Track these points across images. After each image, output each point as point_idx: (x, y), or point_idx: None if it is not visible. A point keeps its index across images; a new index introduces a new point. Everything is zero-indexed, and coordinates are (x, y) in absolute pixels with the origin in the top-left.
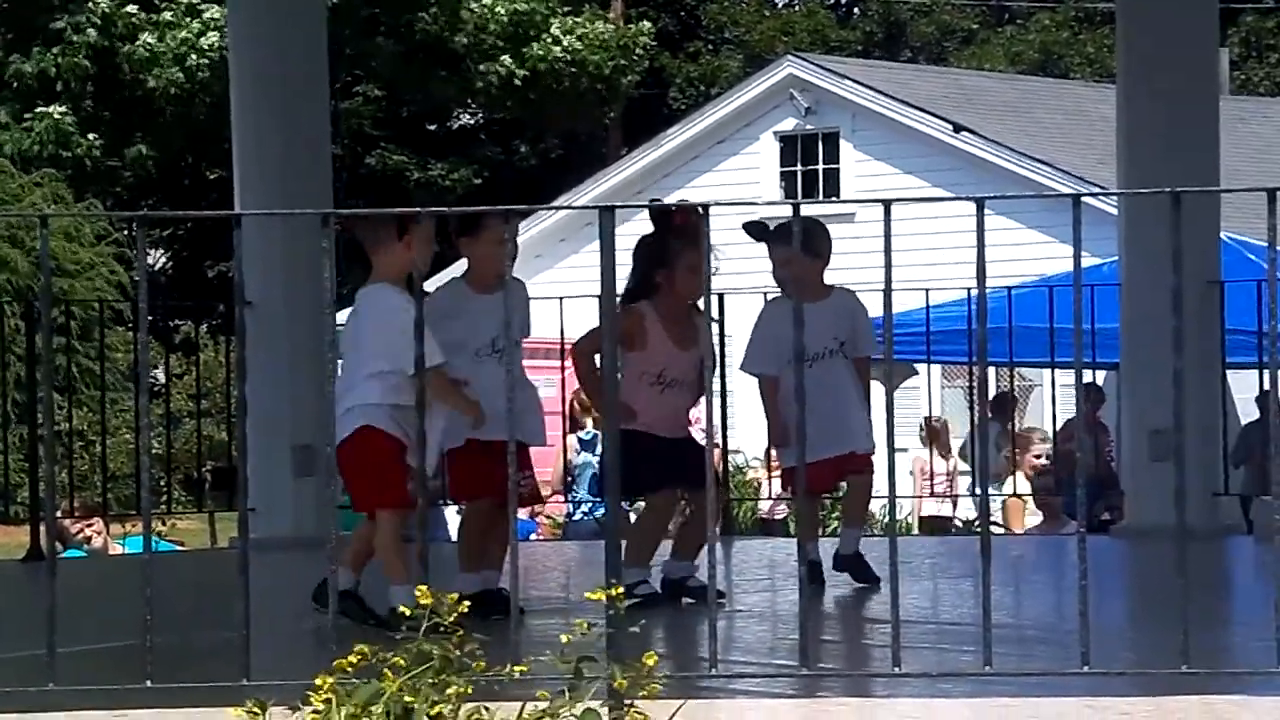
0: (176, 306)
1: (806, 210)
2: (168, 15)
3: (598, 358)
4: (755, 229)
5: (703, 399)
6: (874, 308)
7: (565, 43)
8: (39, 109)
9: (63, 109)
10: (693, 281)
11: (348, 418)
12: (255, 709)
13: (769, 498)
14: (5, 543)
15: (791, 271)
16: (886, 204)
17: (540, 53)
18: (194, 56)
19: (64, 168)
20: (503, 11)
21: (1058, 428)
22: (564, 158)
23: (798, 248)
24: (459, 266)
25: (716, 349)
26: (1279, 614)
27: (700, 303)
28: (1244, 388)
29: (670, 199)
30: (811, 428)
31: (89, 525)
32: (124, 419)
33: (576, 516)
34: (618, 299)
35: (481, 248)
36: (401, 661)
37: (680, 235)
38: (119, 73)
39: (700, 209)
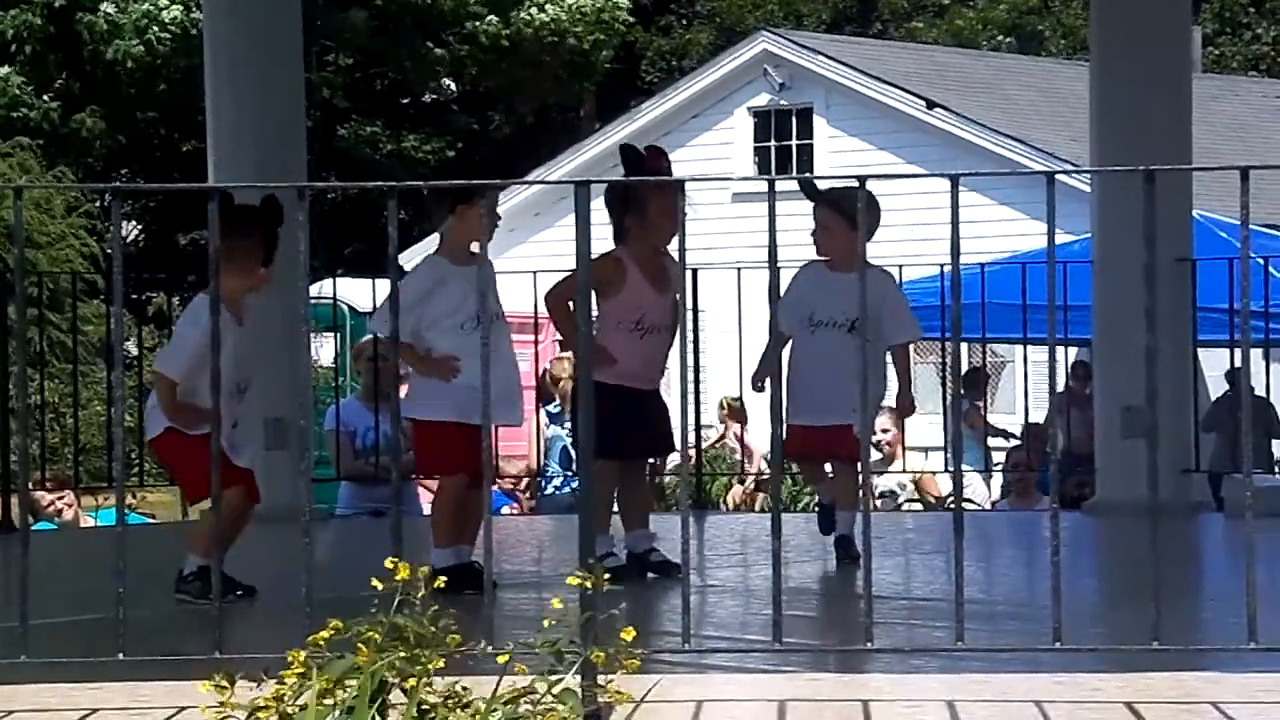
0: (149, 279)
1: (781, 185)
2: None
3: (572, 304)
4: (808, 187)
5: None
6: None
7: (549, 11)
8: None
9: (7, 69)
10: (665, 225)
11: (154, 414)
12: (223, 682)
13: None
14: None
15: (824, 238)
16: (861, 179)
17: (525, 17)
18: (155, 29)
19: (20, 131)
20: None
21: (1029, 402)
22: (538, 131)
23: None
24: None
25: (690, 324)
26: (1250, 591)
27: (675, 253)
28: (1215, 365)
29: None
30: (801, 394)
31: (60, 498)
32: (95, 391)
33: (547, 490)
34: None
35: (473, 218)
36: (376, 636)
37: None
38: (79, 41)
39: (668, 180)
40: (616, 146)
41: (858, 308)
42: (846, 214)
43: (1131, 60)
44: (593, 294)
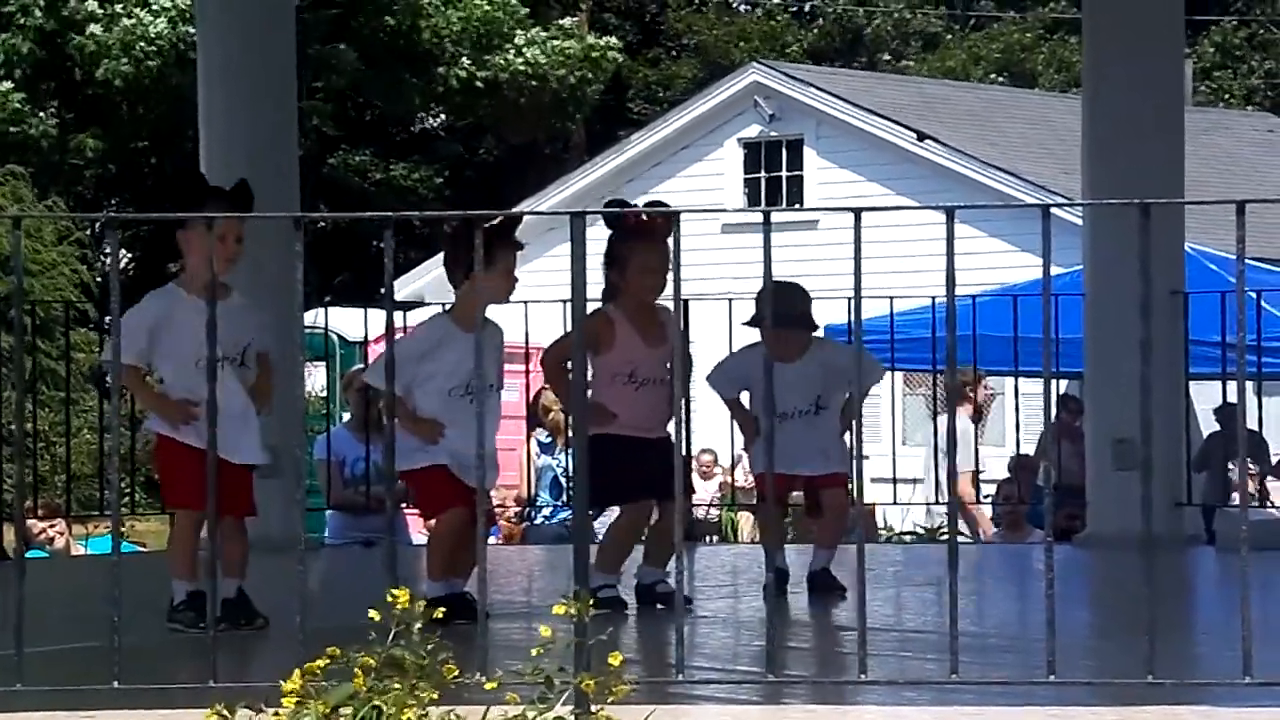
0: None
1: (777, 216)
2: (118, 6)
3: (569, 364)
4: (753, 321)
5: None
6: (838, 314)
7: (528, 54)
8: None
9: (8, 85)
10: (647, 281)
11: (152, 418)
12: (224, 712)
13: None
14: None
15: (778, 339)
16: (857, 212)
17: (501, 62)
18: (142, 45)
19: (20, 149)
20: (456, 20)
21: (1022, 435)
22: (527, 159)
23: (770, 318)
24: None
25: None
26: (1246, 625)
27: (670, 304)
28: (1205, 399)
29: (635, 203)
30: (783, 454)
31: (51, 526)
32: (85, 419)
33: (537, 520)
34: (590, 304)
35: (490, 285)
36: (371, 661)
37: (633, 235)
38: (69, 62)
39: (663, 212)
40: (606, 177)
41: (817, 387)
42: (797, 318)
43: (1124, 93)
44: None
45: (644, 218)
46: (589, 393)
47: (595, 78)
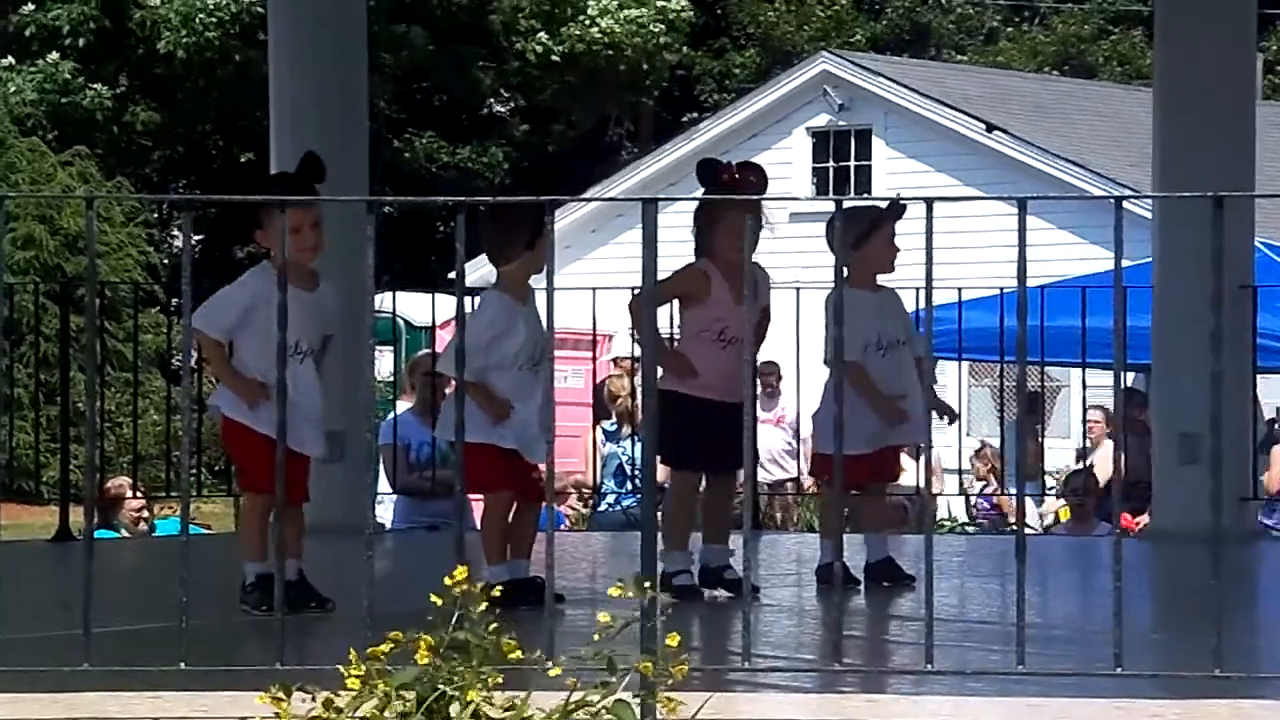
0: (209, 289)
1: (849, 205)
2: None
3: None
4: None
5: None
6: (907, 304)
7: (602, 24)
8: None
9: (55, 55)
10: (737, 241)
11: (221, 394)
12: (280, 694)
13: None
14: (30, 523)
15: (882, 257)
16: (929, 201)
17: (577, 33)
18: (201, 16)
19: (70, 120)
20: None
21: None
22: (595, 145)
23: (842, 241)
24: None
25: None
26: None
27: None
28: (1273, 393)
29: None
30: (858, 420)
31: (142, 507)
32: (151, 401)
33: (602, 508)
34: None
35: (539, 256)
36: (430, 641)
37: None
38: (131, 38)
39: (735, 200)
40: (673, 165)
41: (905, 324)
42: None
43: (1195, 87)
44: (675, 302)
45: (735, 176)
46: (676, 345)
47: (672, 41)
